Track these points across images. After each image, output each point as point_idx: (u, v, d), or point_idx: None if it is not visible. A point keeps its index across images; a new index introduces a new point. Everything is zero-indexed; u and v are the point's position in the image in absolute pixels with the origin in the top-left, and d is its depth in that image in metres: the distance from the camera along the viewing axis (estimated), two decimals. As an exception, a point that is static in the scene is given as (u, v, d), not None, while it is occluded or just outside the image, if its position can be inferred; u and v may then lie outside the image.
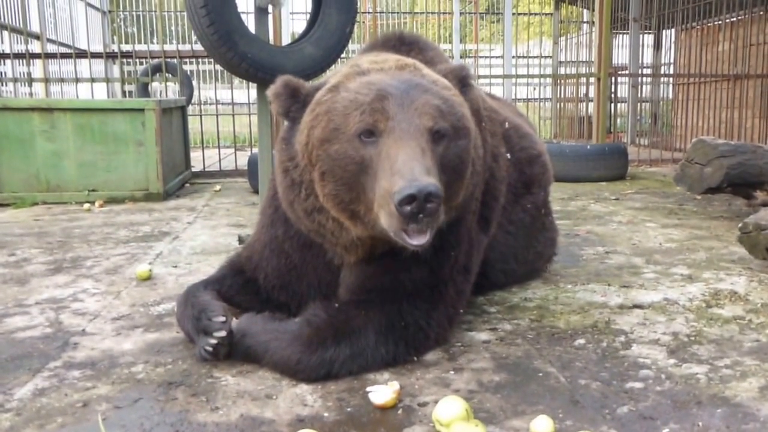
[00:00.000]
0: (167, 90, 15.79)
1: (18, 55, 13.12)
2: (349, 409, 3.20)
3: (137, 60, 15.11)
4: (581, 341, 4.06)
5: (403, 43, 4.31)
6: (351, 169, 3.26)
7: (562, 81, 19.47)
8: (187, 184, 12.23)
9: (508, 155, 4.95)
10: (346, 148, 3.25)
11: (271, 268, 4.13)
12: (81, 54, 14.15)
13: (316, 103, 3.44)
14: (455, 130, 3.41)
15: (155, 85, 17.07)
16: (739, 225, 5.82)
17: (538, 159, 5.29)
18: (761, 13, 15.79)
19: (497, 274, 4.97)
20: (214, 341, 3.61)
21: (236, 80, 15.75)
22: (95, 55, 14.22)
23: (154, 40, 21.14)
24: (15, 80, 13.31)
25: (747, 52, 15.73)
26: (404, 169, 3.00)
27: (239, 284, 4.24)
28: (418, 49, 4.31)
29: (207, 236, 7.37)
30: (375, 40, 4.47)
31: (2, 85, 13.70)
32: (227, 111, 15.68)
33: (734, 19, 16.26)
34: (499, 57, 20.58)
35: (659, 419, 3.07)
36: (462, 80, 3.84)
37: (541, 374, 3.60)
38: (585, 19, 21.16)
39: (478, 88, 5.46)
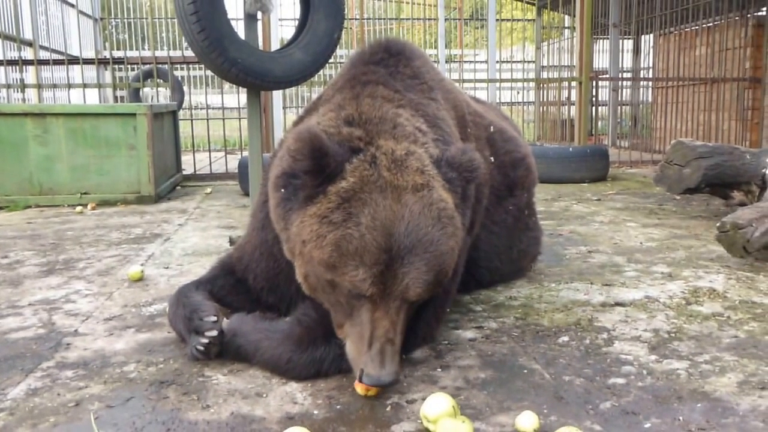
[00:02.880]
0: (158, 95, 15.79)
1: (11, 62, 13.21)
2: (338, 407, 3.24)
3: (129, 66, 15.07)
4: (565, 338, 4.12)
5: (390, 55, 4.25)
6: (333, 296, 3.34)
7: (545, 85, 19.53)
8: (179, 187, 12.29)
9: (492, 159, 5.00)
10: (336, 285, 3.26)
11: (260, 270, 4.15)
12: (73, 60, 14.26)
13: (324, 218, 3.23)
14: (432, 290, 3.39)
15: (147, 91, 17.11)
16: (717, 224, 5.95)
17: (522, 162, 5.35)
18: (736, 18, 15.98)
19: (482, 272, 5.04)
20: (205, 341, 3.65)
21: (226, 85, 15.80)
22: (87, 62, 14.31)
23: (146, 47, 21.23)
24: (8, 86, 13.42)
25: (723, 56, 15.92)
26: (376, 353, 3.15)
27: (230, 285, 4.27)
28: (405, 60, 4.27)
29: (198, 238, 7.41)
30: (362, 50, 4.39)
31: (-5, 91, 13.82)
32: (218, 115, 15.73)
33: (710, 24, 16.45)
34: (483, 62, 20.63)
35: (641, 414, 3.11)
36: (467, 179, 3.63)
37: (526, 371, 3.64)
38: (566, 25, 21.32)
39: (464, 93, 5.52)
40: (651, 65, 19.96)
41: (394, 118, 3.65)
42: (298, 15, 6.44)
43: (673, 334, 4.18)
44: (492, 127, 5.18)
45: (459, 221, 3.49)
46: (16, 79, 13.95)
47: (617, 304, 4.84)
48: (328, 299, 3.38)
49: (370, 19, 22.23)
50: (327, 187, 3.28)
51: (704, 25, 16.45)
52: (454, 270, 4.07)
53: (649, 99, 20.06)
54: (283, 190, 3.45)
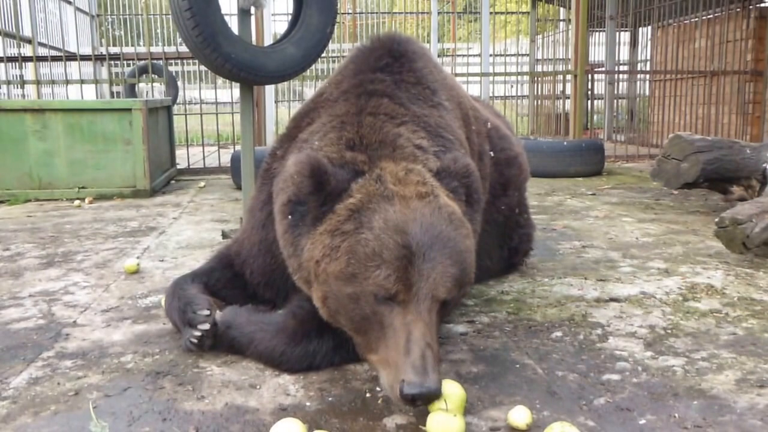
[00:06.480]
0: (153, 90, 15.80)
1: (11, 59, 13.28)
2: (330, 399, 3.28)
3: (124, 62, 15.08)
4: (558, 334, 4.13)
5: (394, 59, 4.21)
6: (357, 313, 3.16)
7: (539, 78, 19.52)
8: (173, 181, 12.37)
9: (492, 153, 5.04)
10: (359, 297, 3.13)
11: (257, 265, 4.19)
12: (71, 57, 14.29)
13: (336, 230, 3.24)
14: (459, 289, 3.32)
15: (142, 86, 17.10)
16: (716, 219, 5.87)
17: (516, 160, 5.40)
18: (737, 10, 15.89)
19: None
20: (198, 333, 3.71)
21: (220, 80, 15.84)
22: (84, 58, 14.47)
23: (141, 43, 21.24)
24: (8, 83, 13.59)
25: (723, 49, 15.82)
26: (416, 358, 2.90)
27: (227, 278, 4.33)
28: (408, 62, 4.25)
29: (192, 231, 7.49)
30: (366, 52, 4.32)
31: (-4, 87, 13.94)
32: (211, 110, 15.73)
33: (710, 16, 16.36)
34: (476, 55, 20.64)
35: (636, 411, 3.12)
36: (466, 185, 3.64)
37: (518, 366, 3.66)
38: (562, 17, 21.23)
39: (463, 88, 5.54)
40: (648, 58, 19.89)
41: (393, 140, 3.67)
42: (291, 10, 6.46)
43: (669, 331, 4.18)
44: (489, 124, 5.23)
45: (469, 226, 3.50)
46: (16, 76, 14.06)
47: (612, 299, 4.83)
48: (351, 320, 3.22)
49: (362, 13, 22.20)
50: (334, 206, 3.29)
51: (704, 17, 16.36)
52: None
53: (647, 92, 20.05)
54: (290, 216, 3.46)
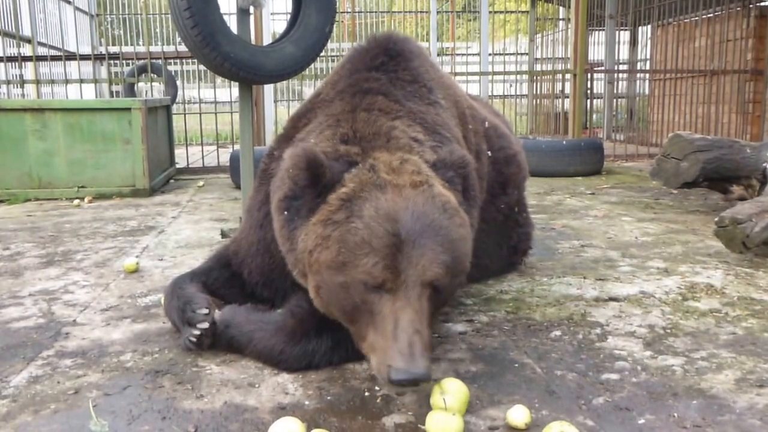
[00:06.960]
0: (153, 90, 15.81)
1: (11, 58, 13.32)
2: (329, 398, 3.28)
3: (124, 61, 15.11)
4: (557, 333, 4.12)
5: (390, 57, 4.24)
6: (348, 302, 3.19)
7: (538, 78, 19.52)
8: (172, 180, 12.40)
9: (489, 153, 5.05)
10: (349, 286, 3.15)
11: (255, 265, 4.20)
12: (70, 56, 14.30)
13: (328, 220, 3.26)
14: (453, 277, 3.33)
15: (141, 85, 17.13)
16: (716, 219, 5.85)
17: (514, 159, 5.39)
18: (738, 9, 15.86)
19: (471, 270, 4.99)
20: (197, 332, 3.71)
21: (219, 79, 15.82)
22: (84, 57, 14.52)
23: (140, 42, 21.22)
24: (8, 82, 13.62)
25: (723, 48, 15.79)
26: (404, 345, 2.93)
27: (225, 277, 4.33)
28: (404, 62, 4.27)
29: (191, 230, 7.49)
30: (363, 51, 4.34)
31: (-4, 87, 13.97)
32: (210, 109, 15.72)
33: (711, 15, 16.33)
34: (475, 54, 20.65)
35: (635, 410, 3.12)
36: (462, 176, 3.65)
37: (517, 365, 3.65)
38: (561, 17, 21.23)
39: (460, 87, 5.54)
40: (648, 57, 19.88)
41: (388, 132, 3.69)
42: (290, 9, 6.46)
43: (668, 330, 4.17)
44: (487, 123, 5.22)
45: (465, 216, 3.50)
46: (16, 75, 14.09)
47: (611, 299, 4.82)
48: (343, 309, 3.25)
49: (361, 12, 22.20)
50: (327, 196, 3.31)
51: (704, 16, 16.35)
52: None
53: (646, 91, 20.04)
54: (286, 212, 3.48)
